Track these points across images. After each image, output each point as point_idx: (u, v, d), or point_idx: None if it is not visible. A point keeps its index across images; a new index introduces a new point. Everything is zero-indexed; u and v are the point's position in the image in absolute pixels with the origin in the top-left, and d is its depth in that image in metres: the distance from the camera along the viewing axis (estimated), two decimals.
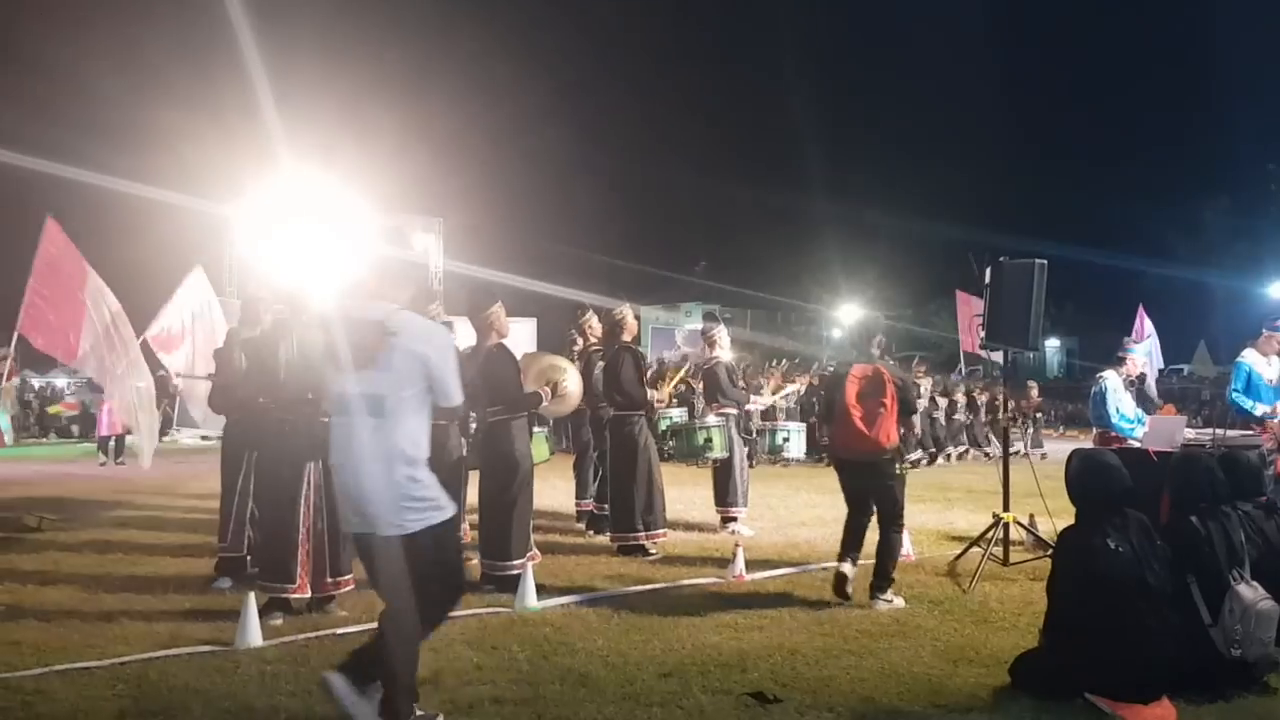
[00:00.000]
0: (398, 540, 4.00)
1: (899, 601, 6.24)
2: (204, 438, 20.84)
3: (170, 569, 7.36)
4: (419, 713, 4.10)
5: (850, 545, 6.53)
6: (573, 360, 9.35)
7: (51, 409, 27.96)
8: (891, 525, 6.42)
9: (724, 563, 7.28)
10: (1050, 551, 5.80)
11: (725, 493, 9.25)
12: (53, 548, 8.27)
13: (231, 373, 6.93)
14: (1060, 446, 7.39)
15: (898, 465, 6.49)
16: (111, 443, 17.54)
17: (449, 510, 4.15)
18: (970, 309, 18.41)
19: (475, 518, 7.07)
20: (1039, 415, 21.91)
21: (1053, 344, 54.43)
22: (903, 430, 6.50)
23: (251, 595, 5.45)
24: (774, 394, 17.52)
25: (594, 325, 9.13)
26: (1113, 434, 8.08)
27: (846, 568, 6.38)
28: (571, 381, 7.61)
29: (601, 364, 8.60)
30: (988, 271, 7.71)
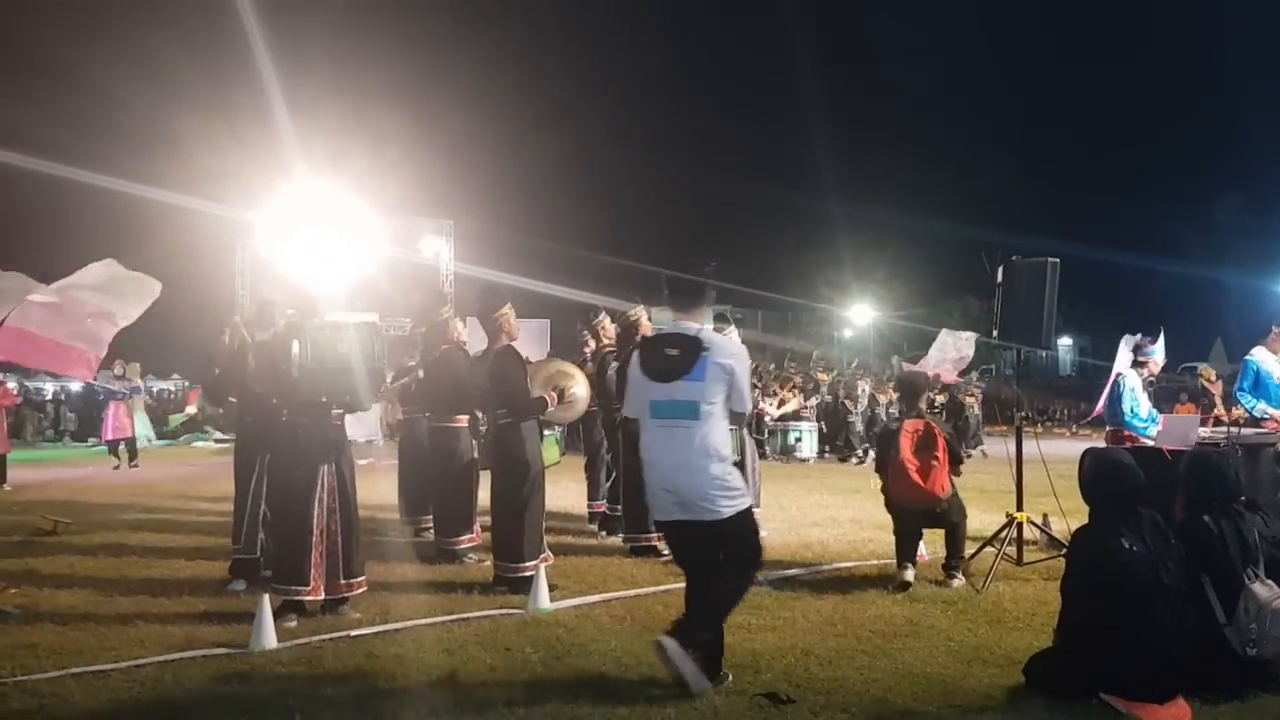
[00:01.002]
0: (715, 524, 4.66)
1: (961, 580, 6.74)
2: (217, 440, 20.96)
3: (185, 572, 7.39)
4: (725, 672, 4.75)
5: (908, 553, 6.87)
6: (586, 361, 9.37)
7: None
8: (955, 525, 6.93)
9: None
10: (1064, 551, 5.78)
11: None
12: (68, 551, 8.31)
13: (231, 366, 6.92)
14: (1073, 446, 7.38)
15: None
16: (121, 445, 17.63)
17: (750, 498, 4.91)
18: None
19: (487, 519, 7.08)
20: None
21: (1065, 343, 54.27)
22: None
23: (266, 597, 5.47)
24: (779, 407, 17.63)
25: (607, 326, 9.13)
26: (1126, 432, 8.06)
27: (909, 575, 6.74)
28: (579, 388, 7.62)
29: (615, 365, 8.60)
30: (1000, 270, 7.69)
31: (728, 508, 4.67)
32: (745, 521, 4.79)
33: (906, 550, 6.86)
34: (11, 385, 14.83)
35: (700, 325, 4.85)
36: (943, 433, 6.90)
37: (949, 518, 6.89)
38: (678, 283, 4.93)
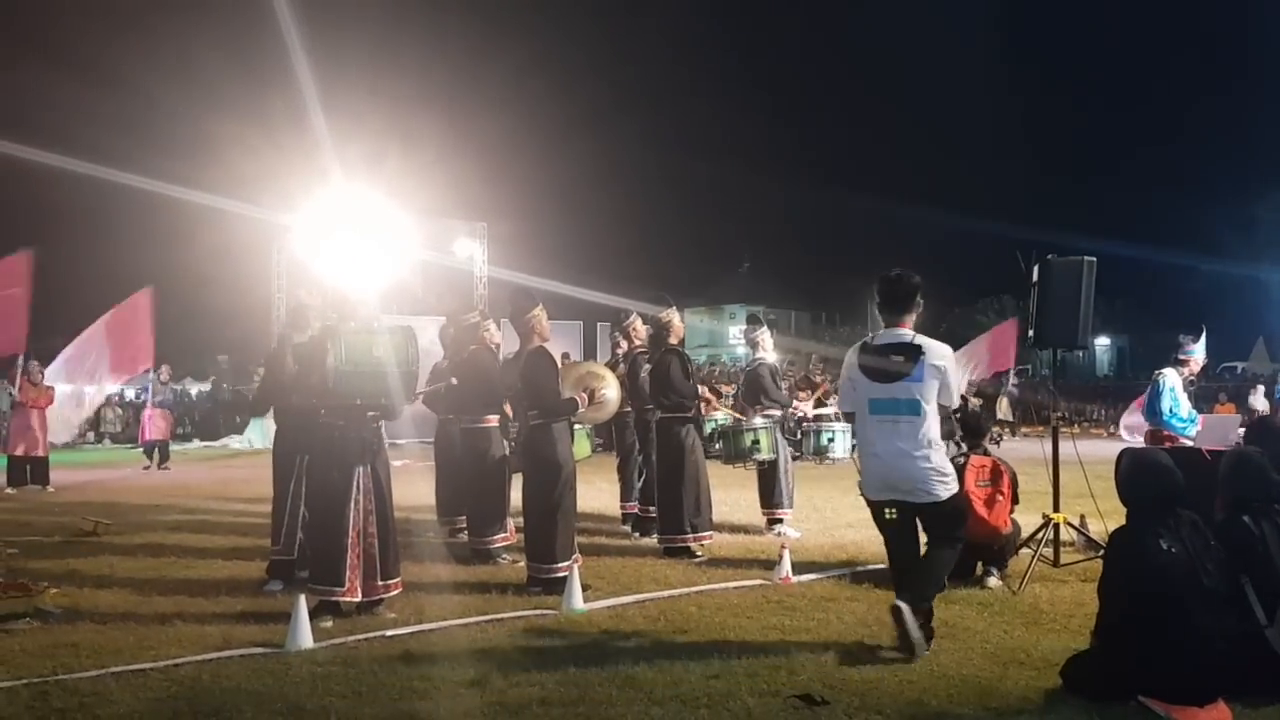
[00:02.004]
0: (930, 506, 5.29)
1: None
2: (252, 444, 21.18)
3: (222, 572, 7.47)
4: (921, 627, 5.17)
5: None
6: (618, 363, 9.38)
7: None
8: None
9: (770, 565, 7.26)
10: (1101, 552, 5.75)
11: (771, 494, 9.23)
12: (108, 551, 8.43)
13: (282, 375, 7.03)
14: (1111, 446, 7.28)
15: None
16: (155, 449, 17.87)
17: (956, 483, 5.44)
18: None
19: (520, 520, 7.11)
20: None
21: (1103, 342, 53.73)
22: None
23: (302, 598, 5.52)
24: (816, 406, 17.51)
25: (638, 328, 9.15)
26: (1165, 432, 7.96)
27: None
28: (610, 390, 7.63)
29: (648, 367, 8.62)
30: (1035, 269, 7.62)
31: (945, 491, 5.29)
32: (956, 502, 5.44)
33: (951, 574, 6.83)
34: (51, 386, 15.01)
35: (912, 330, 5.43)
36: (1008, 469, 6.94)
37: (1005, 552, 6.90)
38: (889, 291, 5.52)
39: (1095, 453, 8.52)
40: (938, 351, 5.35)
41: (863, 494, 5.54)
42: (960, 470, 6.91)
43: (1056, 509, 7.36)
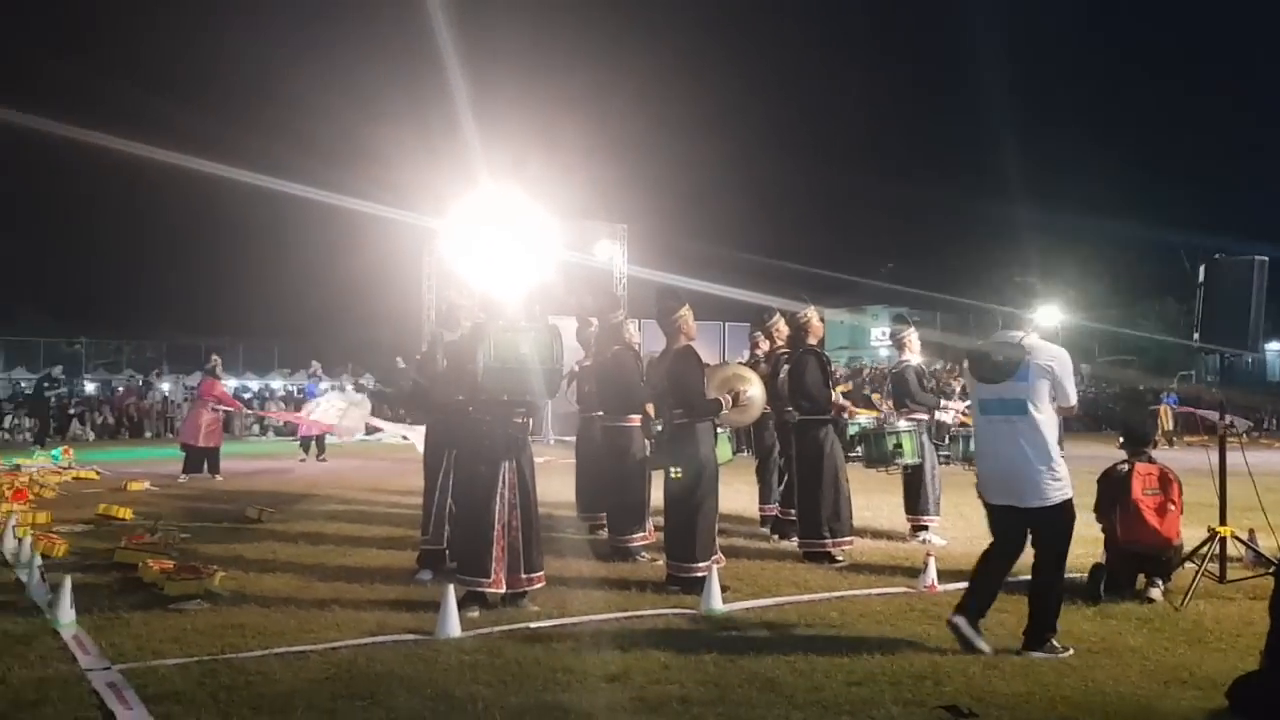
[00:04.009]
0: (1039, 510, 5.29)
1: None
2: (404, 437, 21.87)
3: (376, 561, 7.76)
4: (1056, 644, 5.28)
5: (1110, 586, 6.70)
6: (758, 362, 9.35)
7: None
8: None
9: (914, 572, 7.12)
10: (1272, 569, 5.45)
11: (916, 500, 9.04)
12: (271, 538, 8.84)
13: (434, 372, 7.26)
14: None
15: None
16: (312, 442, 18.63)
17: (1071, 488, 5.37)
18: None
19: (660, 519, 7.16)
20: None
21: (1275, 347, 50.68)
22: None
23: (450, 588, 5.70)
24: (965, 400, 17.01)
25: (781, 328, 9.09)
26: None
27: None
28: (754, 391, 7.60)
29: (787, 368, 8.56)
30: (1201, 270, 7.28)
31: (1057, 494, 5.28)
32: (1066, 508, 5.35)
33: (1110, 586, 6.58)
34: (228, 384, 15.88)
35: (1025, 333, 5.49)
36: (1176, 478, 6.71)
37: (1170, 565, 6.64)
38: (1010, 295, 5.61)
39: (1266, 464, 8.07)
40: (1045, 351, 5.38)
41: (980, 496, 5.58)
42: (1126, 479, 6.68)
43: (1223, 522, 7.00)
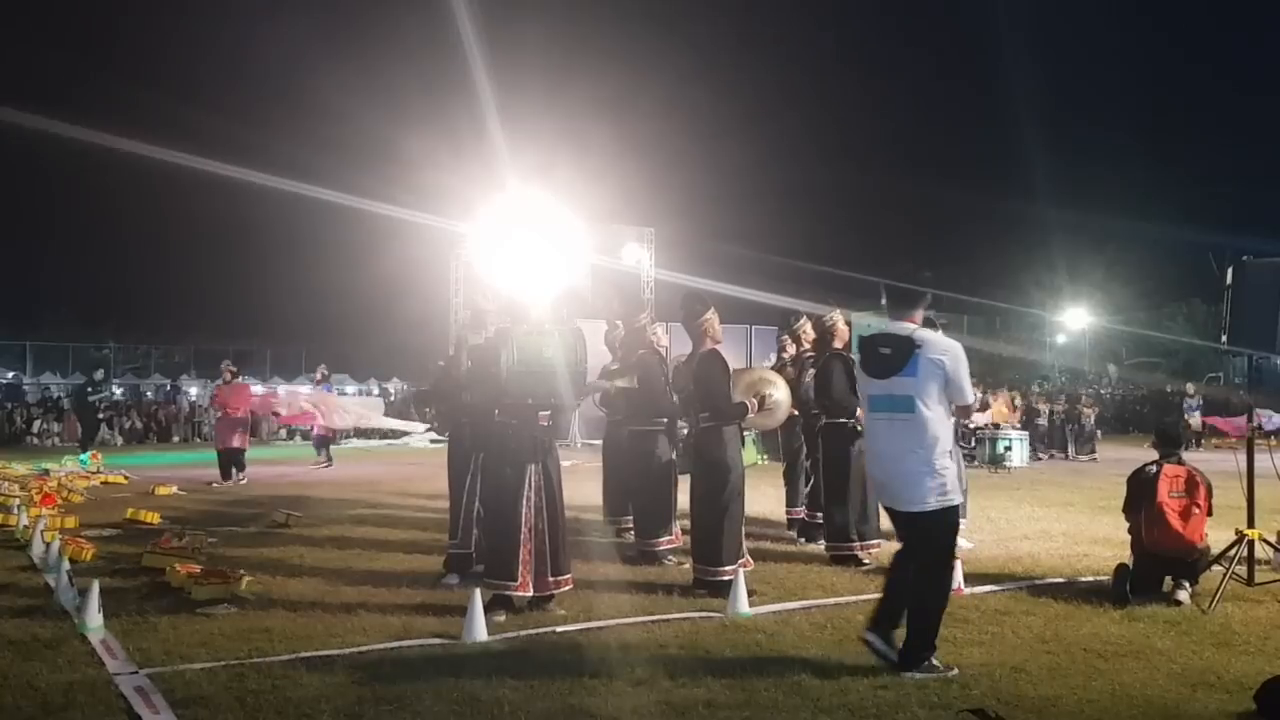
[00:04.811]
0: (917, 515, 4.97)
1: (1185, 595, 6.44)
2: (433, 441, 21.97)
3: (403, 565, 7.79)
4: (936, 663, 4.93)
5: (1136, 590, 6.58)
6: (785, 365, 9.33)
7: None
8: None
9: None
10: None
11: None
12: (298, 542, 8.89)
13: (459, 377, 7.29)
14: None
15: None
16: (326, 446, 18.75)
17: (959, 496, 5.12)
18: None
19: (686, 522, 7.15)
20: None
21: None
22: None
23: (477, 592, 5.72)
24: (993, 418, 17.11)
25: (808, 332, 9.08)
26: None
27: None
28: (780, 394, 7.59)
29: (812, 371, 8.55)
30: (1229, 271, 7.22)
31: (935, 501, 4.92)
32: (946, 516, 5.01)
33: (1136, 588, 6.51)
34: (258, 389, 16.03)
35: (915, 326, 5.10)
36: (1204, 480, 6.63)
37: (1197, 567, 6.57)
38: (893, 289, 5.23)
39: None
40: (939, 345, 5.01)
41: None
42: (1153, 480, 6.62)
43: (1251, 524, 6.93)
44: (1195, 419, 23.68)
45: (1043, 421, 21.47)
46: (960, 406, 5.12)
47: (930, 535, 5.02)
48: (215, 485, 14.22)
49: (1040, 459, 19.59)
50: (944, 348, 5.00)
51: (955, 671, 4.90)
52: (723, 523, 6.72)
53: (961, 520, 8.88)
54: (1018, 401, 21.01)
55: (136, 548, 8.18)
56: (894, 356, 4.98)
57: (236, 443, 14.87)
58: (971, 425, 16.72)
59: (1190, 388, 25.54)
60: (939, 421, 4.95)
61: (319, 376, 21.06)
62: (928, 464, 4.92)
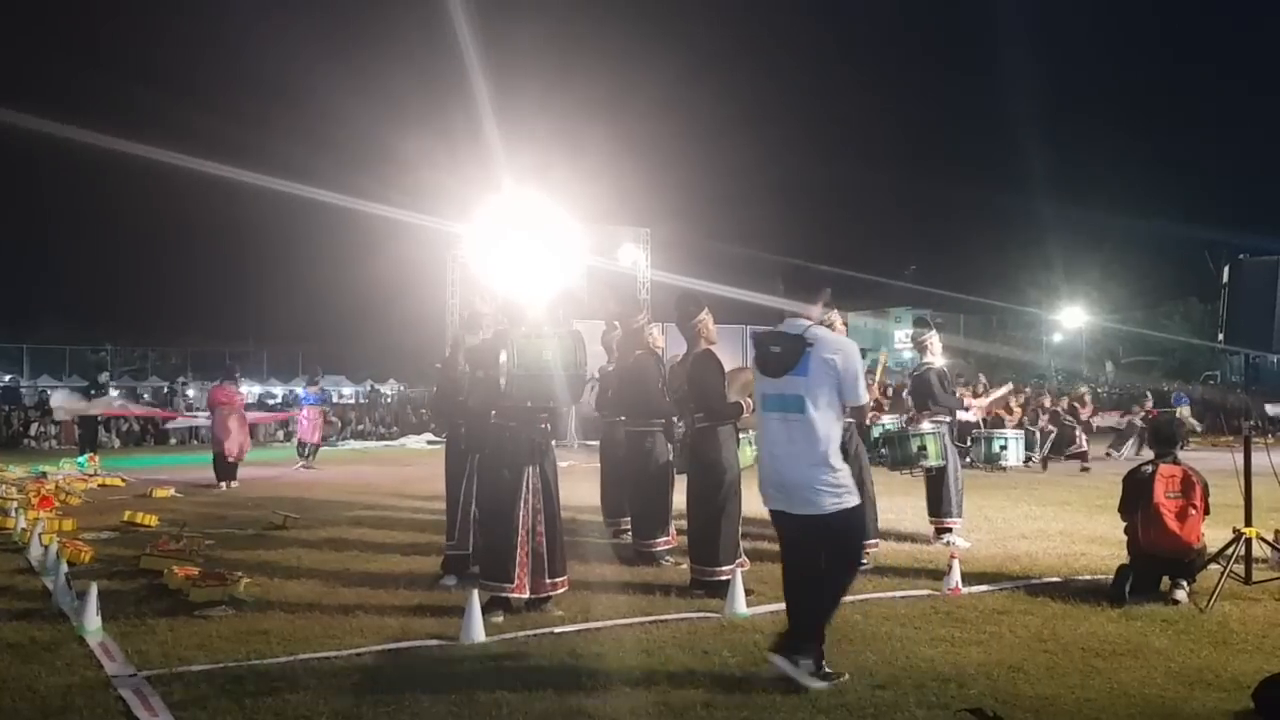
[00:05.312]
0: (817, 519, 4.78)
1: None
2: (430, 442, 21.99)
3: (400, 566, 7.79)
4: (827, 669, 4.78)
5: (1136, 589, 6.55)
6: None
7: None
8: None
9: (938, 575, 7.09)
10: None
11: (939, 503, 9.00)
12: (296, 544, 8.89)
13: (456, 379, 7.29)
14: None
15: None
16: (307, 449, 18.76)
17: (857, 497, 4.90)
18: None
19: (684, 523, 7.16)
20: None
21: None
22: None
23: (475, 593, 5.73)
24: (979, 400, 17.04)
25: None
26: None
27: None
28: None
29: None
30: (1226, 270, 7.24)
31: (832, 504, 4.77)
32: (850, 519, 4.87)
33: (1134, 587, 6.50)
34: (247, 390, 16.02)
35: (811, 321, 4.93)
36: (1200, 480, 6.63)
37: (1194, 567, 6.57)
38: (794, 275, 5.10)
39: None
40: (829, 343, 4.85)
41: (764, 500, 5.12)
42: (1149, 480, 6.62)
43: (1248, 523, 6.94)
44: (1184, 411, 23.61)
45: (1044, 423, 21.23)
46: (854, 407, 5.01)
47: (831, 539, 4.87)
48: (218, 489, 14.18)
49: (1032, 458, 19.37)
50: (836, 346, 4.86)
51: (846, 677, 4.78)
52: (720, 523, 6.73)
53: (958, 520, 8.97)
54: (1022, 397, 20.91)
55: (134, 550, 8.18)
56: (785, 355, 4.83)
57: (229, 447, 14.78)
58: (971, 420, 16.70)
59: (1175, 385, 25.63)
60: (831, 422, 4.81)
61: (314, 379, 20.96)
62: (822, 466, 4.77)
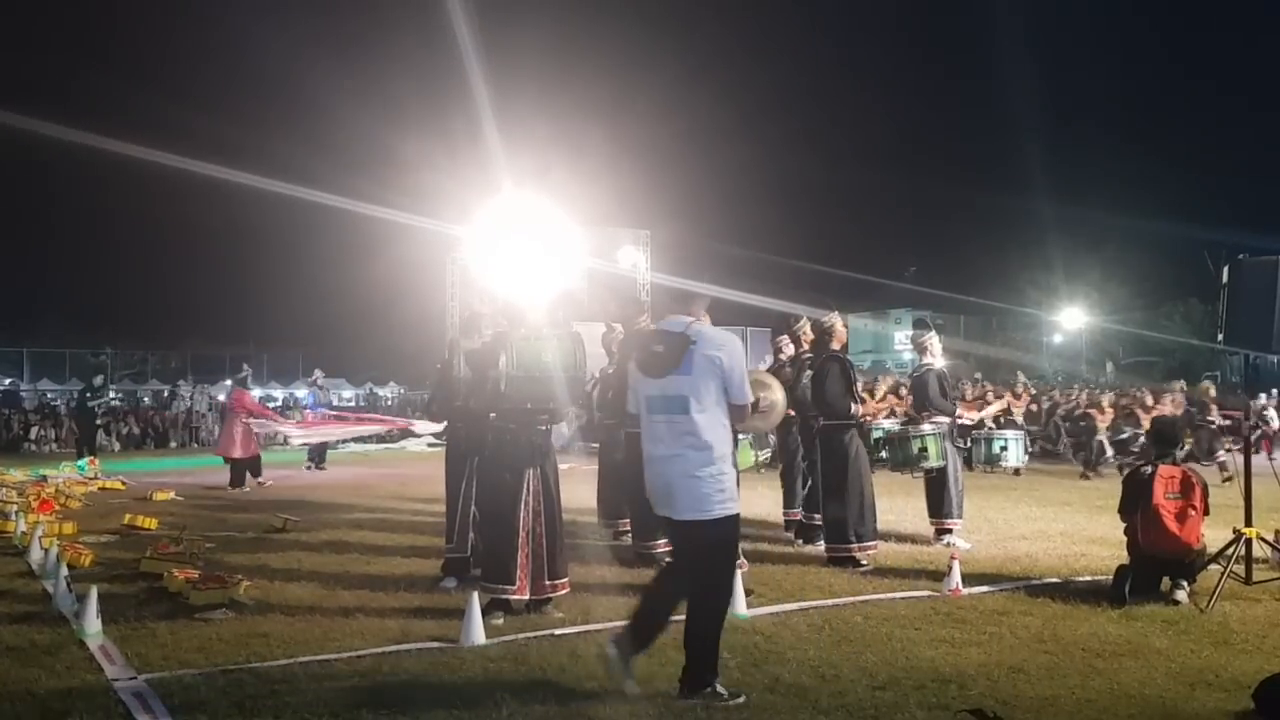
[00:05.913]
0: (698, 524, 4.59)
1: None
2: (430, 444, 21.97)
3: (400, 569, 7.79)
4: (720, 689, 4.57)
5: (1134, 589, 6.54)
6: (783, 367, 9.34)
7: None
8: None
9: (938, 576, 7.09)
10: None
11: (940, 504, 8.99)
12: (296, 547, 8.89)
13: (453, 381, 7.28)
14: None
15: None
16: (314, 453, 18.75)
17: (738, 504, 4.71)
18: None
19: None
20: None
21: None
22: None
23: (475, 595, 5.72)
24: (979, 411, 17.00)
25: (808, 333, 9.09)
26: None
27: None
28: (775, 396, 7.58)
29: (809, 373, 8.55)
30: (1225, 270, 7.24)
31: (717, 508, 4.60)
32: (728, 525, 4.67)
33: (1134, 588, 6.50)
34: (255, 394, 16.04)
35: (693, 319, 4.76)
36: (1200, 481, 6.63)
37: (1194, 567, 6.57)
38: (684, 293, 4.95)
39: None
40: (713, 340, 4.65)
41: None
42: (1148, 481, 6.62)
43: (1249, 523, 6.94)
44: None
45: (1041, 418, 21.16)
46: (736, 406, 4.72)
47: (709, 546, 4.68)
48: (232, 491, 14.14)
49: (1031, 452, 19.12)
50: (720, 342, 4.67)
51: (743, 698, 4.57)
52: None
53: (958, 521, 8.96)
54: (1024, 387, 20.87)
55: (134, 553, 8.16)
56: (668, 354, 4.64)
57: (250, 450, 14.73)
58: (969, 421, 16.68)
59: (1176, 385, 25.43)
60: (716, 423, 4.63)
61: (315, 380, 21.04)
62: (705, 469, 4.57)
